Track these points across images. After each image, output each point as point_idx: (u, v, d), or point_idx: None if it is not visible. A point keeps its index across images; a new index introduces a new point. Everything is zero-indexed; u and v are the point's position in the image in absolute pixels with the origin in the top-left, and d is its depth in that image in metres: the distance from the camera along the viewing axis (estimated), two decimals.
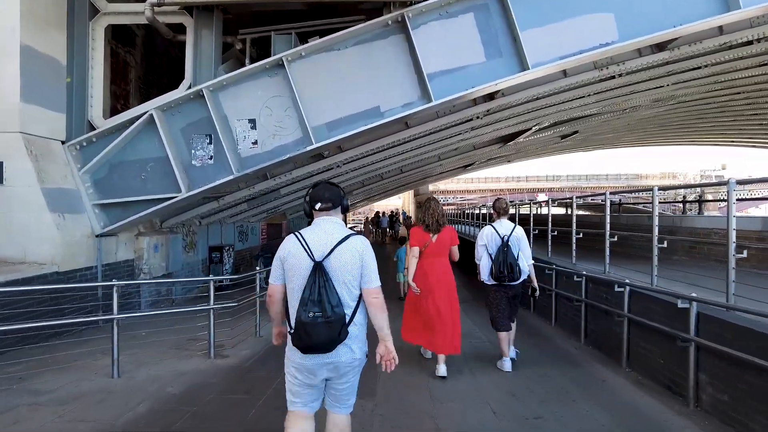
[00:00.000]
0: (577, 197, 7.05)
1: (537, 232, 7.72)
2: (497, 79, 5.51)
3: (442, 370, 4.09)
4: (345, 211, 2.30)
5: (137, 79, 7.80)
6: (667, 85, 9.44)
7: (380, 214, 27.88)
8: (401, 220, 25.14)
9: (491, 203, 4.94)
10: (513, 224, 4.50)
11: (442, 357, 4.14)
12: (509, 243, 4.30)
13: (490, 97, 6.98)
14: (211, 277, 4.72)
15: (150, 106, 5.93)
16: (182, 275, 8.24)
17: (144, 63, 8.03)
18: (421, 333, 4.30)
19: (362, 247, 2.17)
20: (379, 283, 2.19)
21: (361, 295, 2.17)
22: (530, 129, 11.25)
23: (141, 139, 6.02)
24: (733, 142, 22.39)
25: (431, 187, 33.20)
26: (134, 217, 6.12)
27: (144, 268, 6.92)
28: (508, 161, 22.20)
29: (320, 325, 2.02)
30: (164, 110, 5.94)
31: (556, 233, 7.06)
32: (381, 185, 15.80)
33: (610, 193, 5.84)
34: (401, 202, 41.75)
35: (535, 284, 4.61)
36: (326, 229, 2.17)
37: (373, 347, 2.24)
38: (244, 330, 5.50)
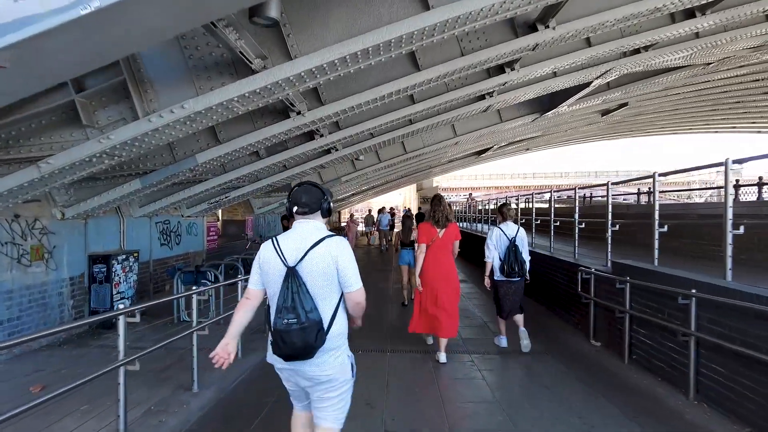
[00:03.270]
0: (612, 183, 5.82)
1: (558, 223, 7.52)
2: None
3: (442, 357, 4.65)
4: (326, 214, 2.17)
5: None
6: None
7: (379, 211, 20.06)
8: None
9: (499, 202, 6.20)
10: (517, 226, 5.09)
11: (443, 345, 4.67)
12: (516, 243, 4.95)
13: None
14: None
15: None
16: (6, 311, 4.54)
17: None
18: (426, 323, 4.79)
19: (337, 250, 2.07)
20: (360, 285, 2.11)
21: (339, 302, 2.08)
22: (590, 83, 7.93)
23: None
24: None
25: (434, 182, 29.92)
26: None
27: None
28: (527, 149, 19.06)
29: (294, 332, 1.94)
30: None
31: (583, 225, 6.61)
32: (378, 171, 12.10)
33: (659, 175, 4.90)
34: (402, 199, 38.33)
35: (527, 276, 5.14)
36: (301, 233, 2.10)
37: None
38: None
